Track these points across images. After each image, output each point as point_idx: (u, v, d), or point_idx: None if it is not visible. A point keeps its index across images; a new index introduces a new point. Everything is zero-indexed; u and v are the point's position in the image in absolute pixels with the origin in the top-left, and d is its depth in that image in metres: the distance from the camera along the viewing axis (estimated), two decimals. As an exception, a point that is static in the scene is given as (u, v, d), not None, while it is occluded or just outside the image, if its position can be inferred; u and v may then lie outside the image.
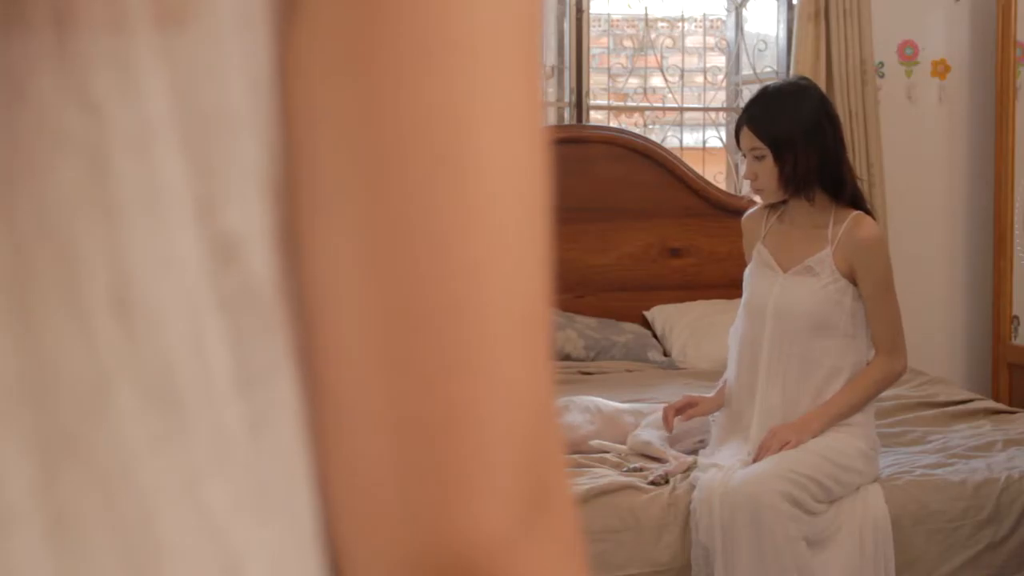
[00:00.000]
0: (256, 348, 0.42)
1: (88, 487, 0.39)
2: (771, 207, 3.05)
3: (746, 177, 2.99)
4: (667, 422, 3.09)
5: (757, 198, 3.14)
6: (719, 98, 5.24)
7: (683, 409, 3.08)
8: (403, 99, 0.40)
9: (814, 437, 2.86)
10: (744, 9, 5.17)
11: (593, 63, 5.04)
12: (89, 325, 0.39)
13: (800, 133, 2.88)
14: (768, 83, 3.19)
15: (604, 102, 5.15)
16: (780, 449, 2.84)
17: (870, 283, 2.88)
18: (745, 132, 2.94)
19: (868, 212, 2.96)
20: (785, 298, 2.92)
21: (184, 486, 0.40)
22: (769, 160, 2.90)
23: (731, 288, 3.66)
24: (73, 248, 0.39)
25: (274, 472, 0.42)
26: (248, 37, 0.41)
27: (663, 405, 3.44)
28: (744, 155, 2.98)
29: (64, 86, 0.38)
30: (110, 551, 0.39)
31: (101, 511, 0.39)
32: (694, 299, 4.67)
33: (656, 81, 5.21)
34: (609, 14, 5.16)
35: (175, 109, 0.39)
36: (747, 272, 3.05)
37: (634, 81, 5.22)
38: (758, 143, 2.90)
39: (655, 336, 4.61)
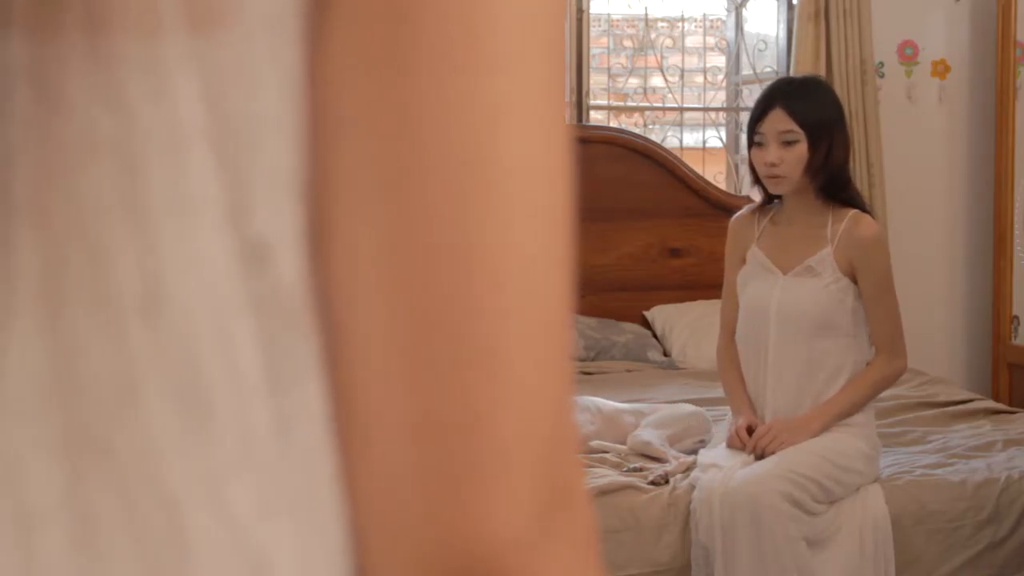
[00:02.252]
0: (284, 350, 0.42)
1: (114, 488, 0.39)
2: (760, 210, 3.03)
3: (768, 162, 2.85)
4: (742, 442, 2.90)
5: (754, 194, 3.10)
6: (719, 98, 5.25)
7: (751, 429, 2.92)
8: (428, 102, 0.40)
9: (813, 437, 2.86)
10: (744, 9, 5.17)
11: (593, 63, 5.04)
12: (119, 326, 0.39)
13: (836, 123, 2.87)
14: (792, 75, 3.16)
15: (604, 102, 5.15)
16: (776, 449, 2.83)
17: (871, 281, 2.87)
18: (778, 114, 2.84)
19: (867, 211, 2.95)
20: (788, 300, 2.90)
21: (211, 488, 0.40)
22: (801, 146, 2.83)
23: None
24: (104, 250, 0.39)
25: (300, 474, 0.42)
26: (278, 40, 0.41)
27: (663, 405, 3.44)
28: (758, 143, 2.88)
29: (96, 89, 0.38)
30: (135, 553, 0.39)
31: (126, 512, 0.39)
32: (694, 299, 4.68)
33: (656, 81, 5.21)
34: (609, 14, 5.16)
35: (206, 112, 0.40)
36: (741, 276, 3.02)
37: (634, 81, 5.22)
38: (794, 126, 2.83)
39: (655, 336, 4.61)
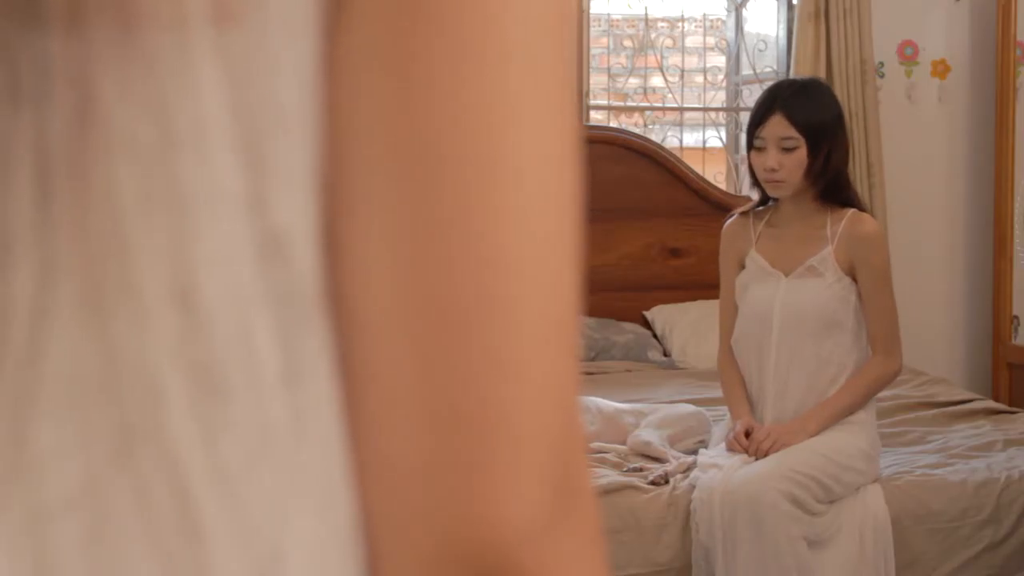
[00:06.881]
0: (300, 343, 0.42)
1: (130, 482, 0.39)
2: (753, 212, 3.04)
3: (768, 167, 2.86)
4: (741, 447, 2.90)
5: (754, 195, 3.11)
6: (719, 98, 5.25)
7: (749, 433, 2.92)
8: (441, 99, 0.41)
9: (810, 437, 2.86)
10: (744, 9, 5.17)
11: (593, 63, 5.04)
12: (148, 321, 0.39)
13: (834, 126, 2.88)
14: (792, 77, 3.17)
15: (604, 102, 5.15)
16: (777, 450, 2.84)
17: (869, 277, 2.88)
18: (778, 120, 2.86)
19: (864, 211, 2.97)
20: (792, 301, 2.90)
21: (227, 480, 0.40)
22: (801, 151, 2.84)
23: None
24: (136, 244, 0.39)
25: (315, 466, 0.43)
26: (297, 35, 0.41)
27: (663, 405, 3.45)
28: (758, 147, 2.89)
29: (128, 84, 0.39)
30: (150, 546, 0.39)
31: (142, 507, 0.39)
32: (694, 299, 4.68)
33: (656, 81, 5.22)
34: (609, 14, 5.16)
35: (229, 106, 0.40)
36: (740, 280, 3.02)
37: (634, 81, 5.22)
38: (793, 132, 2.85)
39: (655, 336, 4.61)
